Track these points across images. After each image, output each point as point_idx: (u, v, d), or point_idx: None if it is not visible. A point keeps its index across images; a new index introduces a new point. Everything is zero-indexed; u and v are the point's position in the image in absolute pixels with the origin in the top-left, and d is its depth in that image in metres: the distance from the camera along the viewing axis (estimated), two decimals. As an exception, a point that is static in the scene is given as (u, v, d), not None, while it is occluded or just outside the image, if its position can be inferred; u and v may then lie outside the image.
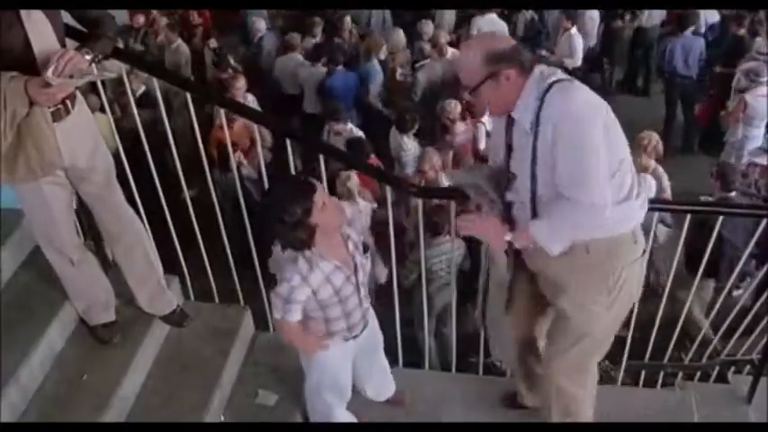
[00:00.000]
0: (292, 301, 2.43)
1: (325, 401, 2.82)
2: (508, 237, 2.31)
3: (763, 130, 6.20)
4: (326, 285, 2.45)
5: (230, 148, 3.33)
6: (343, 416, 2.90)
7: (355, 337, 2.67)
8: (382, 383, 3.08)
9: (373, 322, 2.83)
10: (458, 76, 2.28)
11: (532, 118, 2.13)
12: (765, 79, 6.19)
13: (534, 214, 2.25)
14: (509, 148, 2.28)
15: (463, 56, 2.29)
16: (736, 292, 4.29)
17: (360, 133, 5.92)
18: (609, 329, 2.55)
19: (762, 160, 5.21)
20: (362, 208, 2.64)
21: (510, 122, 2.24)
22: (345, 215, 2.53)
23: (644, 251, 2.40)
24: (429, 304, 3.58)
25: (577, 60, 7.64)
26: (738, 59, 6.89)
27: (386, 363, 3.05)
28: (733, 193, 4.86)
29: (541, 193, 2.21)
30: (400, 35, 7.66)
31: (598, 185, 2.10)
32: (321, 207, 2.33)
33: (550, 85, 2.11)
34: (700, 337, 3.55)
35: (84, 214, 2.93)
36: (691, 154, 7.33)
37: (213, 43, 7.61)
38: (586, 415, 2.75)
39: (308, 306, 2.52)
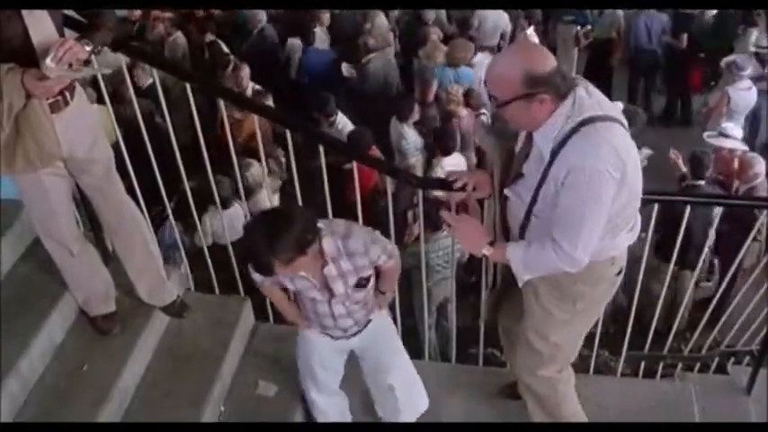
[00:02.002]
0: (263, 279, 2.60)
1: (304, 382, 2.88)
2: (486, 251, 2.28)
3: (742, 123, 6.16)
4: (295, 283, 2.49)
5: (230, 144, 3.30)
6: (320, 403, 2.89)
7: (333, 338, 2.68)
8: (393, 407, 2.94)
9: (377, 337, 2.77)
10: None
11: (553, 147, 2.04)
12: (747, 73, 6.18)
13: (527, 219, 2.22)
14: (525, 157, 2.19)
15: (500, 67, 2.06)
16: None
17: (350, 126, 5.76)
18: (569, 339, 2.54)
19: (718, 142, 5.15)
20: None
21: (530, 138, 2.16)
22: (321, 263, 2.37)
23: (620, 271, 2.39)
24: (428, 298, 3.58)
25: None
26: (682, 33, 7.40)
27: (399, 387, 2.86)
28: (702, 182, 4.84)
29: (536, 213, 2.18)
30: (383, 20, 7.45)
31: (584, 242, 2.07)
32: (282, 270, 2.26)
33: (580, 125, 2.00)
34: (700, 329, 3.55)
35: (83, 205, 2.92)
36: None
37: (209, 37, 7.54)
38: (572, 416, 2.74)
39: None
